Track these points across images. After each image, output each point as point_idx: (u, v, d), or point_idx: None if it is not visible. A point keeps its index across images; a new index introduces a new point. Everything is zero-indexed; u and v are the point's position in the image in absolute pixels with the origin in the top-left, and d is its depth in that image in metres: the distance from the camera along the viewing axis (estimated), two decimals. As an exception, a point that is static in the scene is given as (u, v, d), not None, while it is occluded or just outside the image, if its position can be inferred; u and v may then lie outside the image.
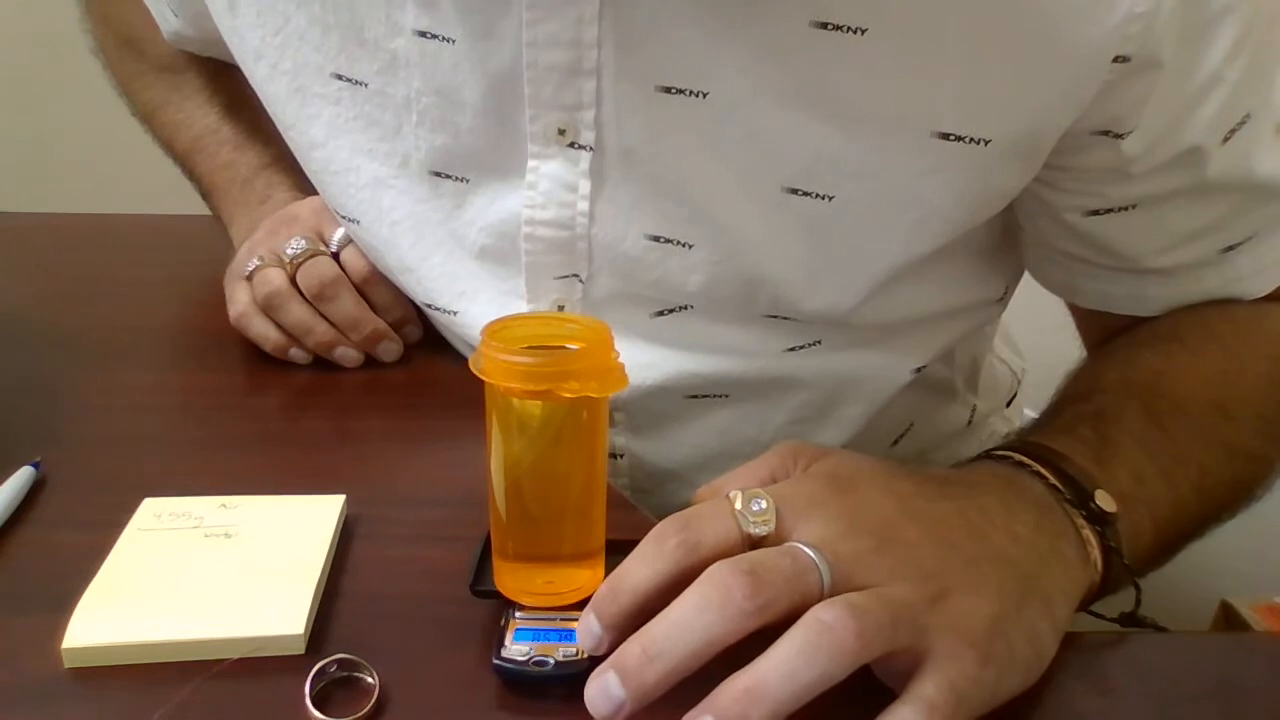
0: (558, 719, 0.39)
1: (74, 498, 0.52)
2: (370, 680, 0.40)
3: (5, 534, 0.49)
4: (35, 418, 0.59)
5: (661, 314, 0.58)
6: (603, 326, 0.42)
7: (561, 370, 0.39)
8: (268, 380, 0.66)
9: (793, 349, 0.60)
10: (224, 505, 0.49)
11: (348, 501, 0.50)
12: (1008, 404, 0.83)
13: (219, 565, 0.45)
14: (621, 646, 0.36)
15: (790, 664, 0.34)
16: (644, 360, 0.59)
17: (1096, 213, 0.56)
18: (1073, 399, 0.55)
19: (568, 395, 0.39)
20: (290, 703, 0.39)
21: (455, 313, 0.62)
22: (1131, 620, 0.47)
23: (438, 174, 0.58)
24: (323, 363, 0.67)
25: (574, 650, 0.40)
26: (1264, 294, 0.60)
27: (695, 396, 0.62)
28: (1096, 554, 0.45)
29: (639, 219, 0.55)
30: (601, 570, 0.43)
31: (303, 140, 0.62)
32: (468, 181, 0.58)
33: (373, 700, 0.39)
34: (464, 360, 0.41)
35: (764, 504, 0.40)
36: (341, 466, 0.56)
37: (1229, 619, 1.01)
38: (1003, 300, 0.68)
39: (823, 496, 0.41)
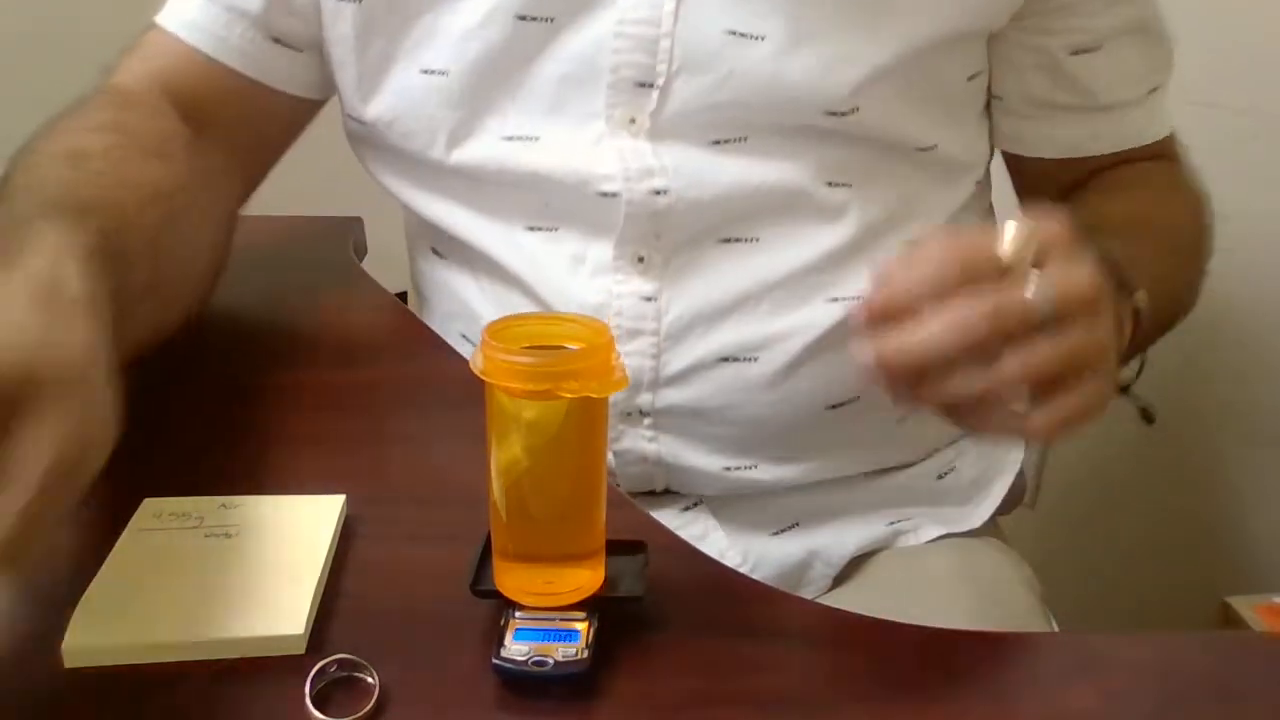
0: (558, 719, 0.39)
1: (74, 498, 0.52)
2: (370, 680, 0.40)
3: (5, 534, 0.48)
4: (35, 418, 0.59)
5: (718, 143, 0.63)
6: (603, 327, 0.42)
7: (561, 370, 0.39)
8: (268, 380, 0.66)
9: (831, 184, 0.64)
10: (224, 505, 0.49)
11: (348, 501, 0.50)
12: None
13: (219, 565, 0.45)
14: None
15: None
16: (696, 179, 0.63)
17: (1079, 51, 0.67)
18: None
19: (568, 395, 0.39)
20: (290, 703, 0.39)
21: (537, 138, 0.64)
22: (1126, 391, 0.62)
23: (523, 18, 0.62)
24: (322, 363, 0.67)
25: (574, 650, 0.40)
26: (1157, 139, 0.72)
27: (728, 240, 0.64)
28: (1127, 334, 0.55)
29: (719, 15, 0.61)
30: (602, 570, 0.43)
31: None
32: (551, 21, 0.62)
33: (373, 700, 0.39)
34: (464, 360, 0.41)
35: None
36: (341, 466, 0.56)
37: (1229, 619, 1.01)
38: (984, 179, 0.74)
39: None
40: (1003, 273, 0.45)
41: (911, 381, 0.45)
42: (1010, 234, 0.45)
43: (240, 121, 0.69)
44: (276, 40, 0.67)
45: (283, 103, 0.70)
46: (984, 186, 0.74)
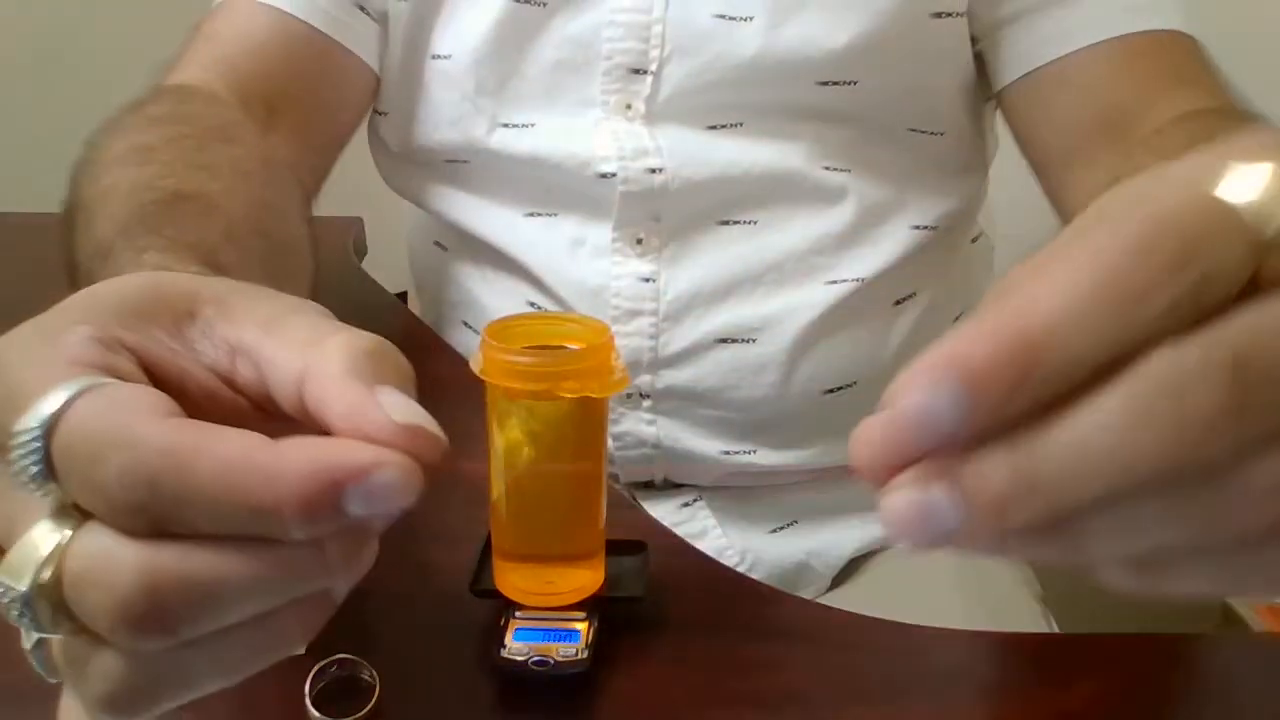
0: (558, 719, 0.39)
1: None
2: (370, 680, 0.40)
3: (5, 534, 0.49)
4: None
5: (714, 129, 0.64)
6: (603, 327, 0.42)
7: (561, 370, 0.39)
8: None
9: (829, 168, 0.65)
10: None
11: (348, 501, 0.50)
12: None
13: (219, 565, 0.45)
14: (977, 458, 0.21)
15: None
16: (691, 159, 0.63)
17: None
18: None
19: (568, 395, 0.39)
20: (290, 703, 0.39)
21: (533, 125, 0.65)
22: None
23: (519, 0, 0.64)
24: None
25: (574, 650, 0.40)
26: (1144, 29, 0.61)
27: (726, 223, 0.65)
28: None
29: (708, 0, 0.62)
30: (601, 570, 0.43)
31: None
32: (545, 5, 0.64)
33: (373, 700, 0.39)
34: (464, 360, 0.41)
35: None
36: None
37: (1229, 619, 1.01)
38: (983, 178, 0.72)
39: None
40: (1251, 269, 0.21)
41: (1040, 530, 0.21)
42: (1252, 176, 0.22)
43: (314, 97, 0.67)
44: (360, 7, 0.68)
45: (358, 73, 0.69)
46: (982, 187, 0.74)
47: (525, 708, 0.40)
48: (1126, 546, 0.22)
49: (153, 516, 0.23)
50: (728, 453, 0.65)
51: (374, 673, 0.40)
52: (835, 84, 0.63)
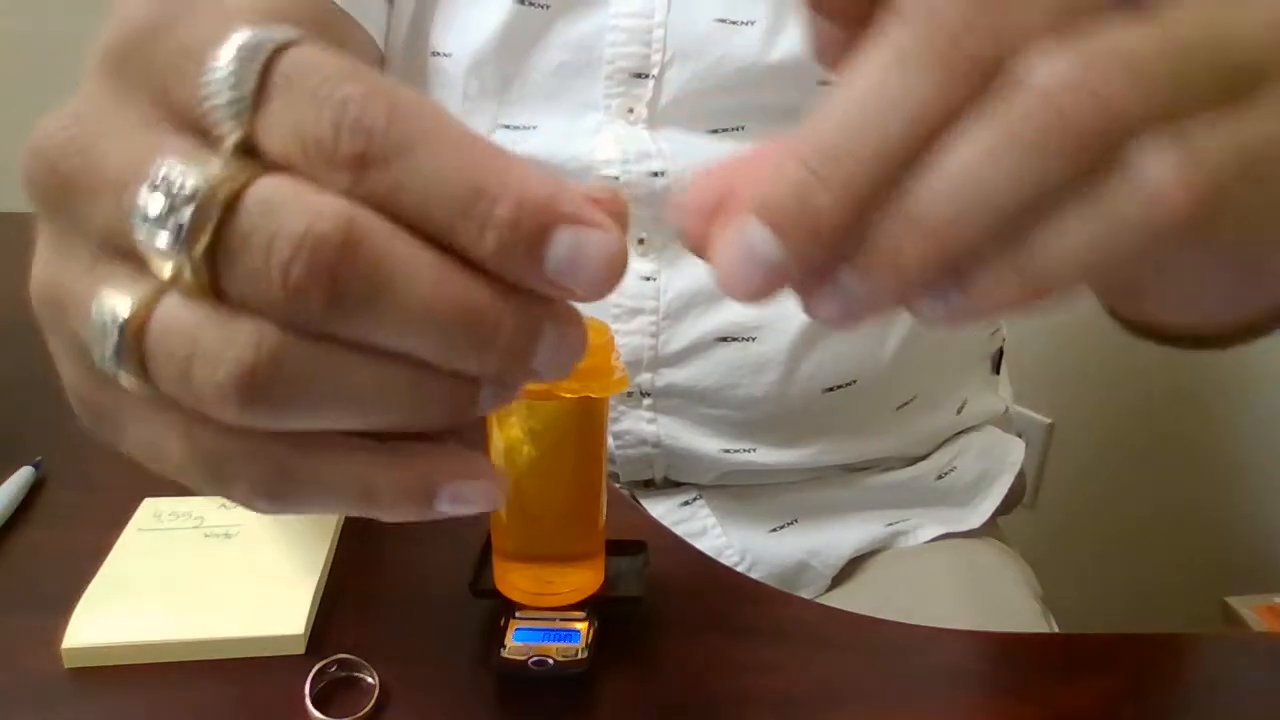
0: (557, 719, 0.39)
1: (74, 498, 0.52)
2: (370, 680, 0.40)
3: (5, 534, 0.49)
4: (35, 418, 0.59)
5: (716, 132, 0.64)
6: (603, 327, 0.42)
7: (561, 370, 0.39)
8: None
9: None
10: (224, 505, 0.49)
11: (348, 501, 0.50)
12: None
13: (219, 565, 0.45)
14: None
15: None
16: (693, 163, 0.64)
17: None
18: None
19: (568, 395, 0.39)
20: (290, 703, 0.39)
21: (534, 128, 0.65)
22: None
23: (521, 2, 0.64)
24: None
25: (573, 650, 0.40)
26: None
27: None
28: None
29: (710, 4, 0.63)
30: (601, 570, 0.43)
31: None
32: (548, 9, 0.64)
33: (373, 700, 0.39)
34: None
35: None
36: (341, 466, 0.56)
37: (1229, 619, 1.01)
38: None
39: None
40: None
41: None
42: None
43: None
44: None
45: (367, 49, 0.68)
46: None
47: (525, 708, 0.40)
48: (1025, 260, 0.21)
49: (356, 172, 0.20)
50: (728, 451, 0.65)
51: (374, 673, 0.40)
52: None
